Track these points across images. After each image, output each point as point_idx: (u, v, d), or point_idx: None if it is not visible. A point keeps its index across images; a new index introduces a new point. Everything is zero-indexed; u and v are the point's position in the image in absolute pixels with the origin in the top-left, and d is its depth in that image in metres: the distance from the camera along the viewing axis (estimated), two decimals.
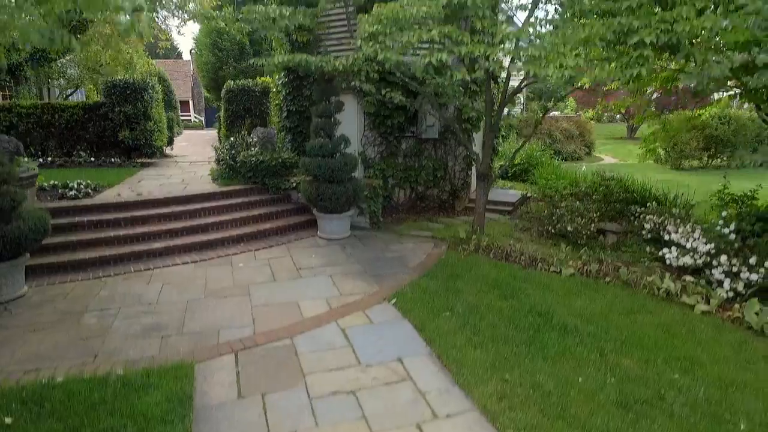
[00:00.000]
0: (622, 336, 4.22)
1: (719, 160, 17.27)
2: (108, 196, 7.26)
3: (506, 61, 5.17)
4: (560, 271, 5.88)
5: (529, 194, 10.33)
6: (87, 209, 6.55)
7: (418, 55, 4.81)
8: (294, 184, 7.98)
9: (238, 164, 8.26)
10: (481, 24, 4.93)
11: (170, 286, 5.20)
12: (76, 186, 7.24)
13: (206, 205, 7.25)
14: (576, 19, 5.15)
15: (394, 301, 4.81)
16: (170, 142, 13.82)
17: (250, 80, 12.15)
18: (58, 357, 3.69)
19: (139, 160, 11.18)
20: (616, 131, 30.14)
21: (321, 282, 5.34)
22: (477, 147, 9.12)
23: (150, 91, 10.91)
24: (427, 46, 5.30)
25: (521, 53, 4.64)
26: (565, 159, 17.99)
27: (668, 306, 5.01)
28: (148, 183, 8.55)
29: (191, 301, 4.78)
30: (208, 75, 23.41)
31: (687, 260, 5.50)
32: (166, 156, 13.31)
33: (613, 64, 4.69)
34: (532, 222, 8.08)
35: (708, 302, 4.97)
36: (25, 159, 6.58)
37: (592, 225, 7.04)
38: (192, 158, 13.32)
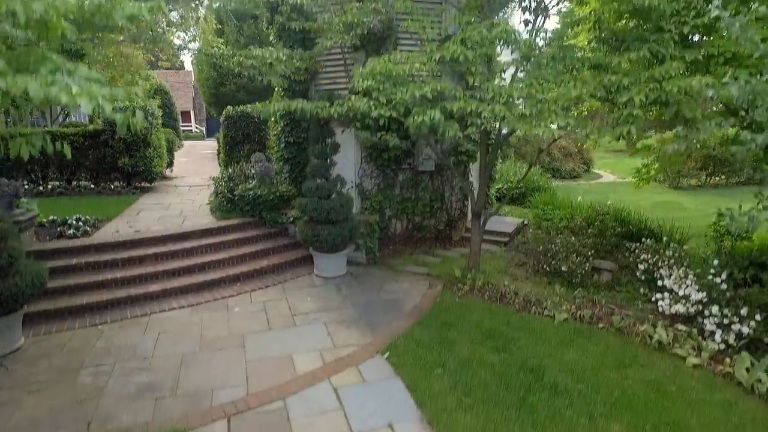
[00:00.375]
0: (613, 396, 4.25)
1: (718, 178, 17.33)
2: (106, 233, 7.32)
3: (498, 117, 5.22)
4: (554, 315, 5.92)
5: (525, 221, 10.39)
6: (85, 249, 6.61)
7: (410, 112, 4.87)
8: (291, 219, 8.04)
9: (236, 198, 8.32)
10: (473, 79, 5.00)
11: (166, 335, 5.25)
12: (74, 223, 7.31)
13: (203, 242, 7.30)
14: (567, 73, 5.22)
15: (387, 355, 4.85)
16: (170, 164, 13.92)
17: (249, 105, 12.23)
18: (53, 424, 3.74)
19: (140, 185, 11.28)
20: (615, 143, 30.17)
21: (315, 331, 5.38)
22: (474, 177, 9.19)
23: (150, 118, 11.00)
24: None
25: (512, 111, 4.70)
26: (563, 177, 18.06)
27: (660, 357, 5.04)
28: (147, 215, 8.62)
29: (186, 355, 4.83)
30: (208, 90, 23.59)
31: (679, 308, 5.53)
32: (166, 178, 13.41)
33: (602, 121, 4.75)
34: (529, 256, 8.12)
35: (700, 354, 5.00)
36: (24, 200, 6.64)
37: (587, 264, 7.08)
38: (191, 179, 13.42)
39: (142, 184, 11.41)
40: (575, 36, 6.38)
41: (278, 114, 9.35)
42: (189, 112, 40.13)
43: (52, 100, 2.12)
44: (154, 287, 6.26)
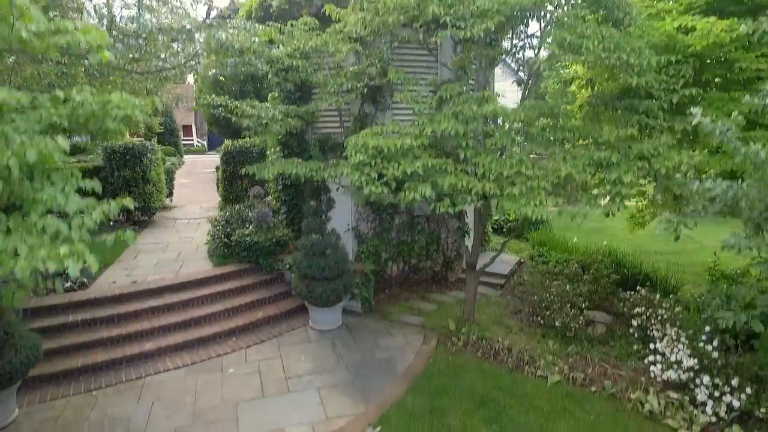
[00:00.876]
0: None
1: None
2: (103, 283, 7.37)
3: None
4: (547, 377, 5.94)
5: (522, 259, 10.42)
6: (81, 305, 6.66)
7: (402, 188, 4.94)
8: (287, 266, 8.09)
9: (233, 243, 8.38)
10: (465, 154, 5.07)
11: (160, 404, 5.28)
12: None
13: (199, 293, 7.35)
14: (557, 144, 5.28)
15: (378, 429, 4.87)
16: (170, 194, 14.01)
17: (248, 140, 12.36)
18: None
19: (139, 219, 11.36)
20: None
21: (308, 399, 5.41)
22: (470, 218, 9.24)
23: (149, 154, 11.11)
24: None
25: (503, 189, 4.76)
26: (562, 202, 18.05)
27: (652, 428, 5.05)
28: (144, 259, 8.68)
29: (179, 429, 4.85)
30: (207, 111, 23.68)
31: (671, 374, 5.55)
32: (165, 208, 13.48)
33: (592, 201, 4.80)
34: (524, 302, 8.15)
35: (691, 427, 5.02)
36: None
37: (581, 317, 7.10)
38: (190, 209, 13.52)
39: (142, 217, 11.50)
40: (568, 102, 6.45)
41: (276, 156, 9.46)
42: (191, 126, 40.35)
43: (40, 270, 2.19)
44: (150, 345, 6.30)
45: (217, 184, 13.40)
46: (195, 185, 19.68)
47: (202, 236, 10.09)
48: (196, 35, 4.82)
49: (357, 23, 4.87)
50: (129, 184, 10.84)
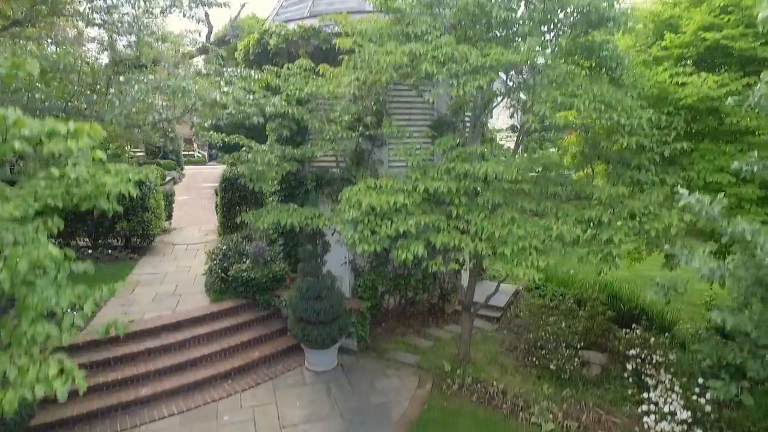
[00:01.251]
0: None
1: None
2: (100, 323, 7.38)
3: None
4: (541, 425, 5.95)
5: (519, 288, 10.45)
6: (77, 348, 6.68)
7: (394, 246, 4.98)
8: (284, 302, 8.12)
9: (230, 278, 8.42)
10: (457, 211, 5.11)
11: None
12: (68, 313, 7.39)
13: (196, 332, 7.38)
14: (549, 200, 5.32)
15: None
16: (169, 216, 14.07)
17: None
18: None
19: (138, 245, 11.41)
20: None
21: None
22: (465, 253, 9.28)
23: (148, 182, 11.17)
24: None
25: (495, 248, 4.80)
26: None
27: None
28: (142, 293, 8.70)
29: None
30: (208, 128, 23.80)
31: (665, 426, 5.56)
32: (165, 231, 13.53)
33: (584, 259, 4.83)
34: (520, 337, 8.17)
35: None
36: None
37: (576, 358, 7.11)
38: (189, 233, 13.58)
39: (141, 244, 11.55)
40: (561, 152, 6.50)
41: (273, 190, 9.52)
42: (191, 138, 40.50)
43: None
44: (146, 391, 6.33)
45: (216, 209, 13.44)
46: (195, 202, 19.73)
47: (200, 264, 10.11)
48: (193, 89, 4.88)
49: (350, 84, 4.93)
50: (127, 212, 10.88)
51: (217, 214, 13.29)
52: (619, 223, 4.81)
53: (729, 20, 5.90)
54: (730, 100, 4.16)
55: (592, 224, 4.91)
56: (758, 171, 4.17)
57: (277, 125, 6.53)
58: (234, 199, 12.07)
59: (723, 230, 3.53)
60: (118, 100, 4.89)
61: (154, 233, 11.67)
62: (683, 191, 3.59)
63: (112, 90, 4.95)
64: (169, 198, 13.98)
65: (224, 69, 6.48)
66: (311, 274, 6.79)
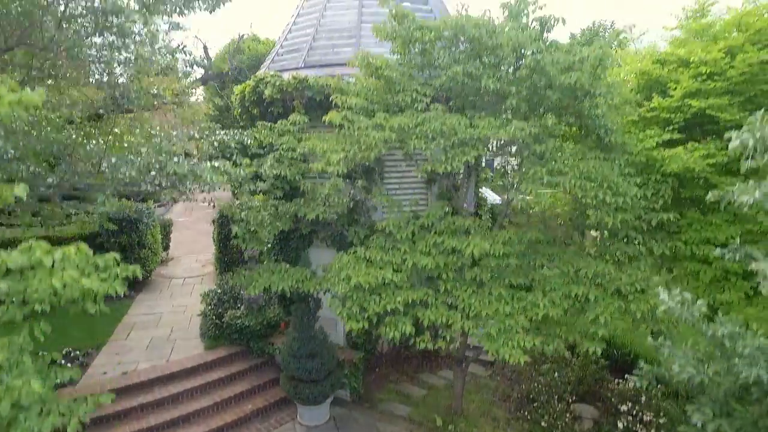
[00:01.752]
0: None
1: None
2: (94, 374, 7.44)
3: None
4: None
5: None
6: None
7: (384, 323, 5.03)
8: (278, 350, 8.15)
9: (225, 325, 8.45)
10: (445, 286, 5.16)
11: None
12: (62, 364, 7.44)
13: (189, 384, 7.41)
14: (535, 271, 5.37)
15: None
16: (166, 248, 14.15)
17: None
18: None
19: (134, 280, 11.45)
20: None
21: None
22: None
23: (146, 219, 11.26)
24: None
25: (482, 326, 4.84)
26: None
27: None
28: (137, 338, 8.74)
29: None
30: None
31: None
32: (162, 262, 13.58)
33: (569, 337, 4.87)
34: (513, 385, 8.18)
35: None
36: None
37: (568, 413, 7.12)
38: (187, 263, 13.65)
39: (137, 278, 11.59)
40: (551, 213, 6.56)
41: (268, 230, 9.58)
42: (192, 151, 40.72)
43: None
44: None
45: (213, 240, 13.50)
46: (193, 225, 19.80)
47: (196, 303, 10.14)
48: (185, 167, 4.95)
49: (340, 162, 5.01)
50: (125, 249, 10.95)
51: (214, 243, 13.34)
52: (605, 300, 4.85)
53: (715, 87, 5.96)
54: (725, 194, 4.03)
55: (578, 301, 4.95)
56: (740, 258, 4.21)
57: (270, 187, 6.60)
58: (230, 234, 12.10)
59: (703, 334, 3.56)
60: (111, 176, 4.96)
61: (152, 268, 11.73)
62: (663, 296, 3.63)
63: (104, 166, 5.03)
64: (166, 229, 14.06)
65: (217, 133, 6.57)
66: (303, 331, 6.83)
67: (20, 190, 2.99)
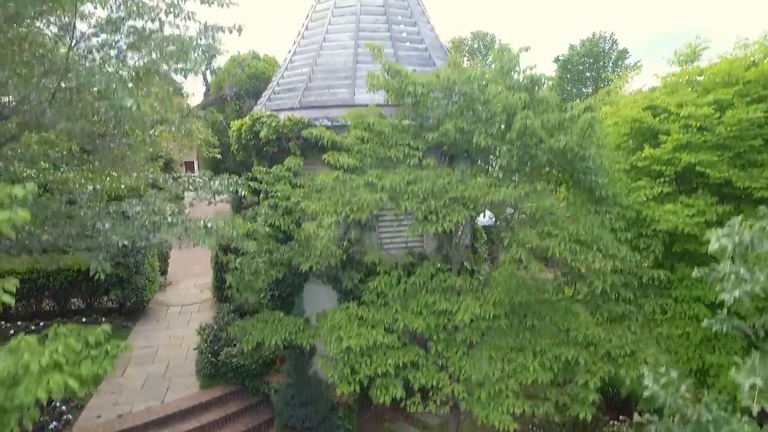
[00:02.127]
0: None
1: None
2: (88, 417, 7.46)
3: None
4: None
5: None
6: None
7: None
8: (273, 389, 8.17)
9: (220, 363, 8.47)
10: (436, 347, 5.19)
11: None
12: (57, 406, 7.47)
13: (183, 429, 7.44)
14: (526, 331, 5.40)
15: None
16: (164, 272, 14.19)
17: None
18: None
19: (132, 308, 11.52)
20: None
21: None
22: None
23: (143, 251, 11.31)
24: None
25: (471, 392, 4.87)
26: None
27: None
28: (132, 375, 8.77)
29: None
30: (208, 159, 24.07)
31: None
32: (160, 287, 13.61)
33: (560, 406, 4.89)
34: None
35: None
36: None
37: None
38: (184, 291, 13.68)
39: (135, 307, 11.65)
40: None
41: (263, 280, 9.57)
42: (193, 162, 40.80)
43: None
44: None
45: (212, 267, 13.54)
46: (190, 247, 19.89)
47: (193, 334, 10.15)
48: (182, 223, 5.01)
49: (331, 225, 5.05)
50: (122, 280, 11.00)
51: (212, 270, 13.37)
52: (596, 364, 4.88)
53: (705, 140, 6.00)
54: (710, 272, 4.04)
55: (568, 364, 4.97)
56: (728, 330, 4.25)
57: (265, 235, 6.64)
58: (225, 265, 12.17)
59: (690, 417, 3.59)
60: (105, 242, 5.01)
61: (149, 298, 11.78)
62: (648, 380, 3.66)
63: (98, 226, 5.07)
64: (164, 254, 14.10)
65: (213, 182, 6.63)
66: (298, 377, 6.85)
67: (20, 190, 2.97)
